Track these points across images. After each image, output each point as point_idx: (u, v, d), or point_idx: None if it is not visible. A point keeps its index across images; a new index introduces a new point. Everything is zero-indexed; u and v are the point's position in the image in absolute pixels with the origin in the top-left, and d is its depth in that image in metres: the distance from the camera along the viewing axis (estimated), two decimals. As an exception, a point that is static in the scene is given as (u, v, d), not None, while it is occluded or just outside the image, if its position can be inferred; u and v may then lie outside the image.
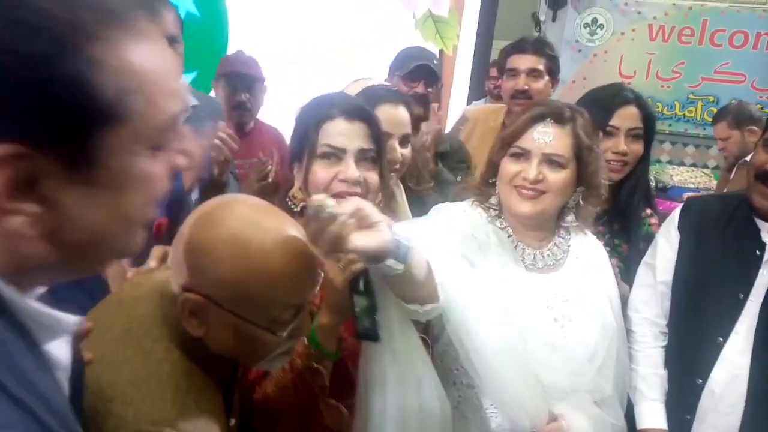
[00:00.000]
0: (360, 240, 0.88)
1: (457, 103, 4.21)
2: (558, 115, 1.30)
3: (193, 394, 0.81)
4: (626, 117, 1.67)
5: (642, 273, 1.62)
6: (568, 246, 1.40)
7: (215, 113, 1.95)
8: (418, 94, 2.10)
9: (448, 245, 1.28)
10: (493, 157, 1.38)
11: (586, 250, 1.42)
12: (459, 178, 2.05)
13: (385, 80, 2.31)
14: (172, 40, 1.72)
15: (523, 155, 1.30)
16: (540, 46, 2.32)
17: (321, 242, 0.87)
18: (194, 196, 1.70)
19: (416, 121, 2.15)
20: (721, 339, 1.44)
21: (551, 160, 1.28)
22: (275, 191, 1.71)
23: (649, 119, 1.71)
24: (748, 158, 3.13)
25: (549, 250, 1.38)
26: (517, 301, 1.29)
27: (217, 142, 1.69)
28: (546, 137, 1.28)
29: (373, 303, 1.05)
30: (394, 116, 1.56)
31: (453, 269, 1.23)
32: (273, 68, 2.63)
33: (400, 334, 1.11)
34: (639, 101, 1.70)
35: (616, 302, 1.44)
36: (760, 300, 1.40)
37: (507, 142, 1.34)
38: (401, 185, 1.69)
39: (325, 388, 1.08)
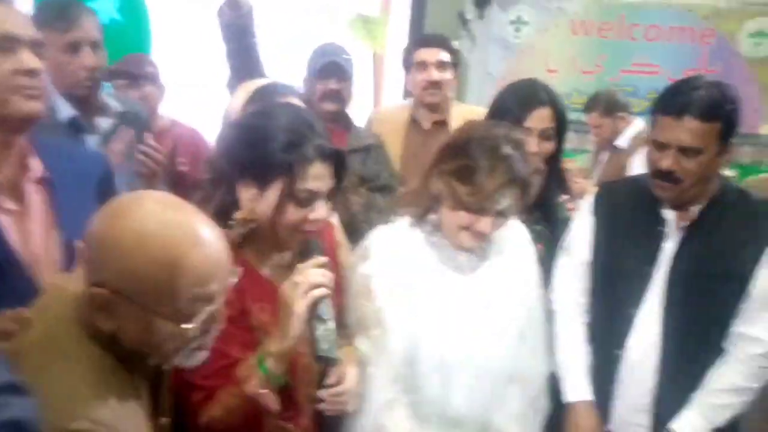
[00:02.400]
0: None
1: (390, 102, 4.27)
2: (518, 180, 1.34)
3: (114, 389, 0.83)
4: (540, 119, 1.74)
5: (561, 254, 1.71)
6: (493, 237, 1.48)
7: (142, 120, 1.93)
8: (331, 91, 2.14)
9: (395, 280, 1.38)
10: (444, 196, 1.38)
11: (508, 237, 1.50)
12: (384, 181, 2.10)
13: (304, 79, 2.33)
14: (93, 46, 1.70)
15: (479, 211, 1.35)
16: (443, 40, 2.42)
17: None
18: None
19: (333, 118, 2.18)
20: (633, 310, 1.55)
21: (502, 214, 1.36)
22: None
23: (561, 117, 1.79)
24: (617, 142, 3.40)
25: (479, 248, 1.46)
26: (455, 305, 1.40)
27: (140, 156, 1.66)
28: (505, 200, 1.33)
29: (332, 327, 1.11)
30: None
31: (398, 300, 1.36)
32: (199, 71, 2.62)
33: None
34: (553, 101, 1.78)
35: (538, 283, 1.55)
36: (665, 271, 1.52)
37: (469, 208, 1.34)
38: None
39: (276, 410, 1.11)
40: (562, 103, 1.84)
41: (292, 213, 1.17)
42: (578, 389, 1.63)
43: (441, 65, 2.35)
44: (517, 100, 1.78)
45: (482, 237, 1.38)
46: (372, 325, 1.38)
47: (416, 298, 1.39)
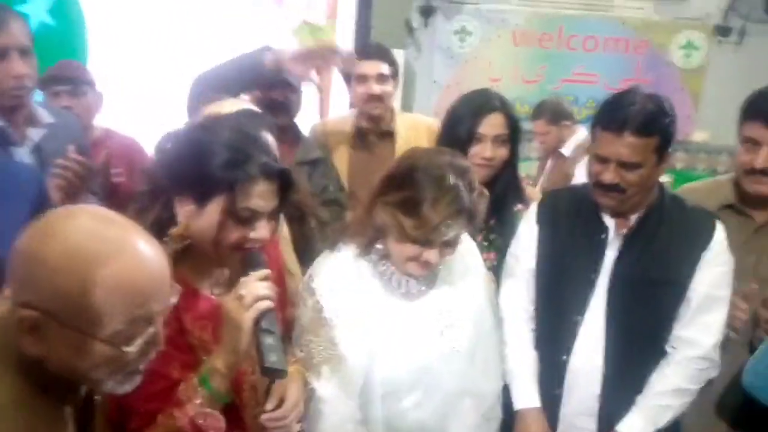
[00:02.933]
0: None
1: (337, 110, 4.25)
2: (464, 211, 1.32)
3: (39, 423, 0.77)
4: (493, 125, 1.77)
5: (509, 263, 1.72)
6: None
7: (74, 129, 1.84)
8: (276, 102, 2.10)
9: (341, 310, 1.37)
10: (389, 228, 1.36)
11: (457, 255, 1.47)
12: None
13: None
14: (22, 53, 1.61)
15: (426, 243, 1.33)
16: (384, 52, 2.42)
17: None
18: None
19: (280, 130, 2.13)
20: (578, 317, 1.58)
21: (448, 244, 1.36)
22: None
23: (514, 124, 1.82)
24: (562, 150, 3.51)
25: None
26: (404, 331, 1.40)
27: (58, 171, 1.56)
28: (452, 231, 1.33)
29: (278, 339, 1.08)
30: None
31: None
32: (139, 77, 2.53)
33: None
34: (505, 108, 1.81)
35: (489, 295, 1.57)
36: (607, 278, 1.55)
37: (416, 240, 1.33)
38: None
39: (222, 429, 1.07)
40: (515, 111, 1.86)
41: (232, 231, 1.12)
42: (526, 396, 1.64)
43: (381, 78, 2.34)
44: (470, 108, 1.80)
45: (430, 266, 1.38)
46: (320, 362, 1.36)
47: (364, 328, 1.38)
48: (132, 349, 0.82)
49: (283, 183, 1.16)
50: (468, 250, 1.54)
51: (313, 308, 1.38)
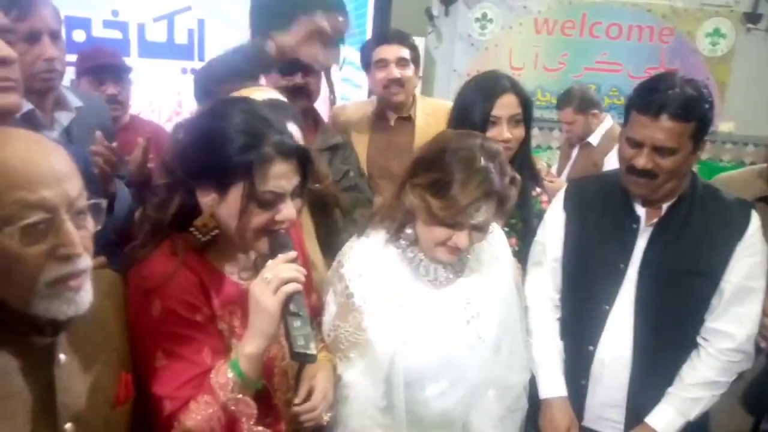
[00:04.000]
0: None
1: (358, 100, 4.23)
2: (495, 194, 1.29)
3: None
4: (506, 105, 1.75)
5: (535, 251, 1.71)
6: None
7: (102, 114, 1.85)
8: (297, 86, 2.06)
9: (371, 296, 1.35)
10: (418, 211, 1.34)
11: (486, 244, 1.48)
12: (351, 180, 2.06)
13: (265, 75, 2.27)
14: (53, 36, 1.61)
15: (455, 226, 1.31)
16: (403, 36, 2.38)
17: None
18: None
19: (302, 117, 2.09)
20: (607, 307, 1.55)
21: (480, 228, 1.33)
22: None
23: (526, 104, 1.80)
24: (589, 139, 3.45)
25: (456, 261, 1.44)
26: (431, 319, 1.38)
27: (95, 158, 1.56)
28: (483, 216, 1.30)
29: (307, 322, 1.06)
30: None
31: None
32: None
33: None
34: (516, 88, 1.79)
35: (516, 285, 1.54)
36: (638, 268, 1.52)
37: (448, 223, 1.30)
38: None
39: (253, 416, 1.06)
40: (525, 90, 1.83)
41: (257, 216, 1.10)
42: (552, 386, 1.64)
43: (401, 62, 2.31)
44: (481, 91, 1.78)
45: (459, 252, 1.36)
46: (347, 348, 1.35)
47: (392, 314, 1.36)
48: (41, 248, 0.82)
49: (302, 160, 1.14)
50: (497, 240, 1.52)
51: (342, 294, 1.37)
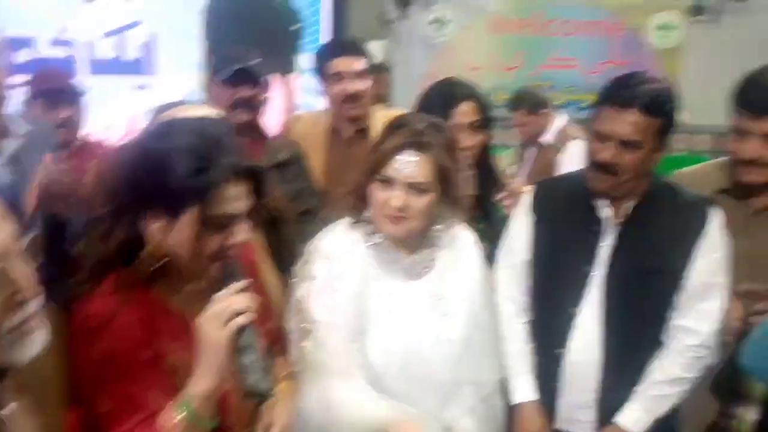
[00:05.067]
0: None
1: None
2: (419, 144, 1.34)
3: None
4: (464, 113, 1.75)
5: (501, 254, 1.70)
6: (439, 243, 1.48)
7: (50, 139, 1.78)
8: (243, 99, 2.01)
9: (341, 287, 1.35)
10: (362, 180, 1.40)
11: (455, 243, 1.50)
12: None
13: (206, 86, 2.21)
14: None
15: (389, 183, 1.34)
16: (357, 47, 2.31)
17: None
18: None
19: (245, 128, 1.99)
20: (574, 309, 1.56)
21: (414, 187, 1.33)
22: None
23: (485, 108, 1.80)
24: (543, 138, 3.50)
25: (424, 255, 1.45)
26: (400, 310, 1.37)
27: (44, 181, 1.52)
28: (408, 167, 1.32)
29: (259, 356, 1.01)
30: None
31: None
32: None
33: None
34: (473, 94, 1.79)
35: (487, 287, 1.55)
36: (603, 270, 1.54)
37: (373, 170, 1.37)
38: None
39: None
40: (484, 96, 1.83)
41: (210, 240, 1.06)
42: (524, 390, 1.64)
43: (358, 75, 2.23)
44: (438, 101, 1.77)
45: (403, 222, 1.35)
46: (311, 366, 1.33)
47: (358, 303, 1.36)
48: None
49: (255, 179, 1.10)
50: (467, 241, 1.54)
51: (309, 279, 1.38)
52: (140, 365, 1.05)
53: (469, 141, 1.74)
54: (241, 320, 1.00)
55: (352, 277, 1.37)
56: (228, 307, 1.01)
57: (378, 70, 2.51)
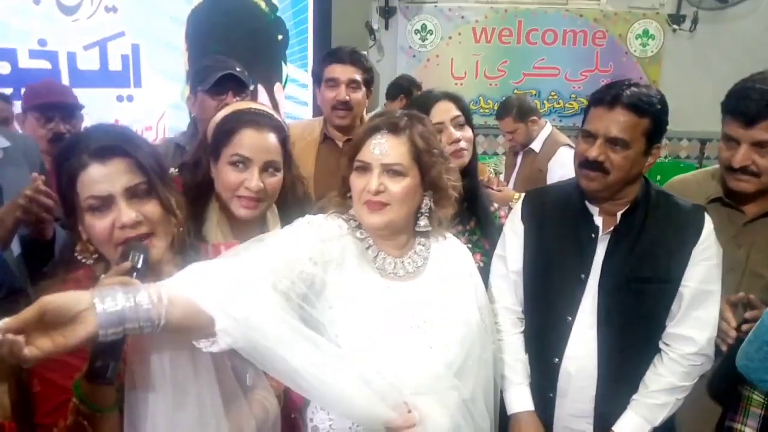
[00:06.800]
0: (44, 345, 0.80)
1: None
2: (392, 125, 1.32)
3: None
4: (444, 110, 1.73)
5: (495, 264, 1.70)
6: (428, 252, 1.41)
7: (32, 153, 1.74)
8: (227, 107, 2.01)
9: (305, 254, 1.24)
10: (344, 172, 1.38)
11: (448, 254, 1.44)
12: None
13: (187, 97, 2.20)
14: None
15: (365, 168, 1.31)
16: (357, 58, 2.33)
17: None
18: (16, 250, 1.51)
19: None
20: (570, 318, 1.55)
21: (390, 170, 1.30)
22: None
23: (464, 110, 1.77)
24: (532, 145, 3.52)
25: (409, 258, 1.38)
26: (373, 309, 1.29)
27: (21, 201, 1.48)
28: (382, 148, 1.30)
29: (110, 344, 0.92)
30: (256, 141, 1.47)
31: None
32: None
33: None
34: (449, 96, 1.77)
35: (483, 301, 1.47)
36: (597, 277, 1.53)
37: (350, 157, 1.35)
38: (275, 213, 1.60)
39: None
40: (463, 99, 1.80)
41: (94, 225, 1.10)
42: (520, 400, 1.63)
43: (352, 84, 2.27)
44: (417, 105, 1.74)
45: (380, 207, 1.30)
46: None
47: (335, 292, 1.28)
48: None
49: (124, 156, 1.11)
50: (463, 255, 1.48)
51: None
52: (65, 353, 1.02)
53: (457, 134, 1.71)
54: None
55: (331, 249, 1.28)
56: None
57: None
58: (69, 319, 0.81)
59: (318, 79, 2.35)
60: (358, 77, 2.28)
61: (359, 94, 2.29)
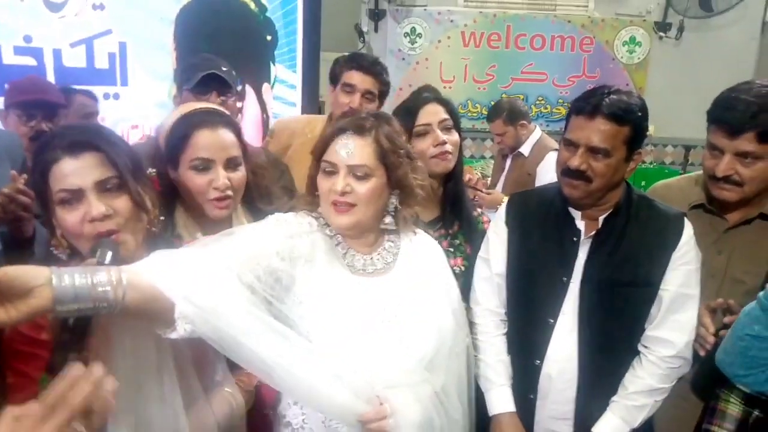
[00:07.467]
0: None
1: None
2: (358, 126, 1.32)
3: None
4: (432, 113, 1.73)
5: (479, 267, 1.71)
6: (398, 249, 1.42)
7: (14, 150, 1.73)
8: None
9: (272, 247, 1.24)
10: (312, 172, 1.39)
11: (417, 250, 1.44)
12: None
13: (174, 96, 2.18)
14: None
15: (332, 169, 1.32)
16: (379, 70, 2.30)
17: None
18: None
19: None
20: (551, 320, 1.57)
21: (356, 171, 1.30)
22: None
23: (452, 113, 1.78)
24: (521, 149, 3.54)
25: (378, 254, 1.39)
26: (343, 305, 1.29)
27: (7, 204, 1.47)
28: (347, 149, 1.30)
29: (70, 338, 0.94)
30: (213, 140, 1.46)
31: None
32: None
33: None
34: (438, 98, 1.78)
35: (455, 298, 1.48)
36: (579, 281, 1.55)
37: (317, 158, 1.36)
38: (241, 208, 1.59)
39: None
40: (450, 101, 1.81)
41: (65, 219, 1.11)
42: (501, 401, 1.64)
43: (368, 94, 2.24)
44: (405, 109, 1.77)
45: (347, 208, 1.30)
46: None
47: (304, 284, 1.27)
48: None
49: (95, 150, 1.12)
50: (429, 248, 1.48)
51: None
52: (38, 343, 1.06)
53: (443, 137, 1.72)
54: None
55: (300, 245, 1.28)
56: None
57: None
58: (25, 293, 0.82)
59: (335, 79, 2.32)
60: (375, 89, 2.25)
61: (372, 106, 2.25)
